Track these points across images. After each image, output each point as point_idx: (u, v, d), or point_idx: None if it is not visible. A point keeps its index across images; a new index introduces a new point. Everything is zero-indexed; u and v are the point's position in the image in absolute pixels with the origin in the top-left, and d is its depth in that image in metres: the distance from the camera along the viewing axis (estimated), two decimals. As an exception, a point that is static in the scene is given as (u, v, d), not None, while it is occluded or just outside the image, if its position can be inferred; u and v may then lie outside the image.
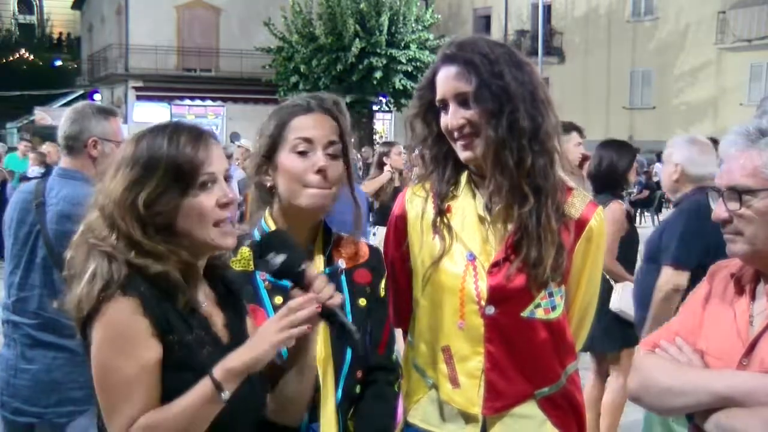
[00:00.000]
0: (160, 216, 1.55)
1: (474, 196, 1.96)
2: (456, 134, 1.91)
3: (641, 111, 28.28)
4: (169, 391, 1.52)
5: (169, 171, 1.55)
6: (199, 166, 1.56)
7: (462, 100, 1.89)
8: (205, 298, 1.67)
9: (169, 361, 1.53)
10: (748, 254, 1.68)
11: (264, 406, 1.71)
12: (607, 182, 4.60)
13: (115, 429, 1.50)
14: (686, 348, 1.76)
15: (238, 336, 1.66)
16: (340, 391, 1.90)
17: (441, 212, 1.97)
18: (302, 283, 1.62)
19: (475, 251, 1.92)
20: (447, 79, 1.91)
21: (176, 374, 1.53)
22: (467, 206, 1.95)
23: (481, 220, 1.94)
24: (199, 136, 1.60)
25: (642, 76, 28.59)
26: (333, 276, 1.93)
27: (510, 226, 1.91)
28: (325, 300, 1.59)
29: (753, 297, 1.72)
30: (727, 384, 1.61)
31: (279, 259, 1.64)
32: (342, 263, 1.97)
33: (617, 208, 4.48)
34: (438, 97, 1.94)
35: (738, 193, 1.64)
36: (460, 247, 1.94)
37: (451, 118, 1.90)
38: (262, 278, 1.90)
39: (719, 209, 1.69)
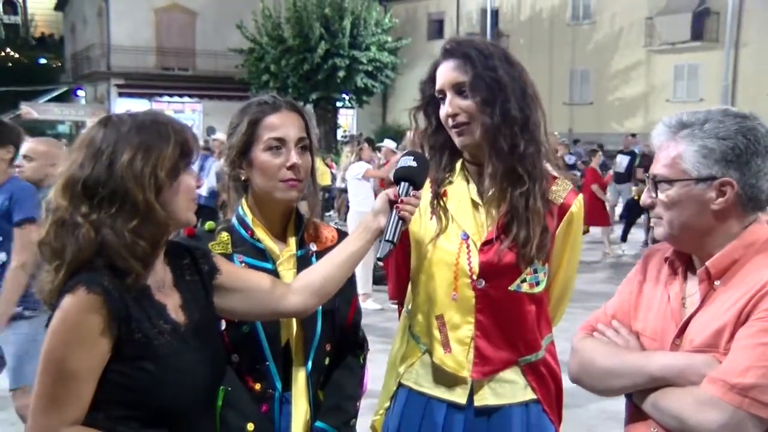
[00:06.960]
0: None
1: (468, 182, 1.99)
2: (451, 122, 1.93)
3: (580, 106, 28.51)
4: (126, 380, 1.46)
5: None
6: None
7: (459, 90, 1.91)
8: (163, 282, 1.59)
9: (128, 351, 1.45)
10: (667, 237, 1.67)
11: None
12: None
13: (45, 421, 1.43)
14: (623, 330, 1.73)
15: (193, 317, 1.60)
16: (310, 362, 1.90)
17: (438, 196, 1.99)
18: (416, 188, 1.81)
19: (469, 231, 1.95)
20: (446, 71, 1.93)
21: (134, 363, 1.46)
22: (461, 191, 1.98)
23: (474, 204, 1.97)
24: None
25: (581, 75, 28.85)
26: (305, 257, 1.94)
27: (501, 210, 1.93)
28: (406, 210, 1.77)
29: (685, 279, 1.69)
30: (660, 365, 1.57)
31: (411, 162, 1.81)
32: (313, 246, 1.98)
33: None
34: (437, 88, 1.96)
35: (658, 181, 1.64)
36: (455, 227, 1.96)
37: (448, 106, 1.92)
38: (240, 260, 1.89)
39: (645, 195, 1.68)
